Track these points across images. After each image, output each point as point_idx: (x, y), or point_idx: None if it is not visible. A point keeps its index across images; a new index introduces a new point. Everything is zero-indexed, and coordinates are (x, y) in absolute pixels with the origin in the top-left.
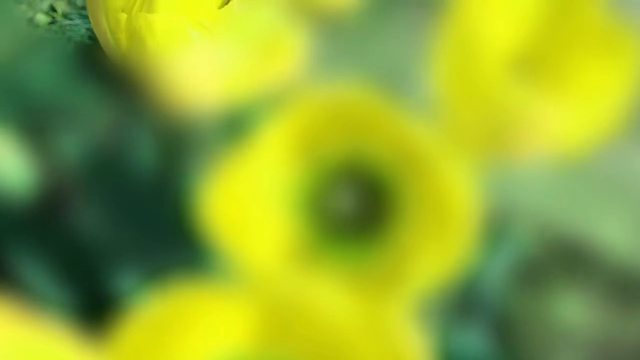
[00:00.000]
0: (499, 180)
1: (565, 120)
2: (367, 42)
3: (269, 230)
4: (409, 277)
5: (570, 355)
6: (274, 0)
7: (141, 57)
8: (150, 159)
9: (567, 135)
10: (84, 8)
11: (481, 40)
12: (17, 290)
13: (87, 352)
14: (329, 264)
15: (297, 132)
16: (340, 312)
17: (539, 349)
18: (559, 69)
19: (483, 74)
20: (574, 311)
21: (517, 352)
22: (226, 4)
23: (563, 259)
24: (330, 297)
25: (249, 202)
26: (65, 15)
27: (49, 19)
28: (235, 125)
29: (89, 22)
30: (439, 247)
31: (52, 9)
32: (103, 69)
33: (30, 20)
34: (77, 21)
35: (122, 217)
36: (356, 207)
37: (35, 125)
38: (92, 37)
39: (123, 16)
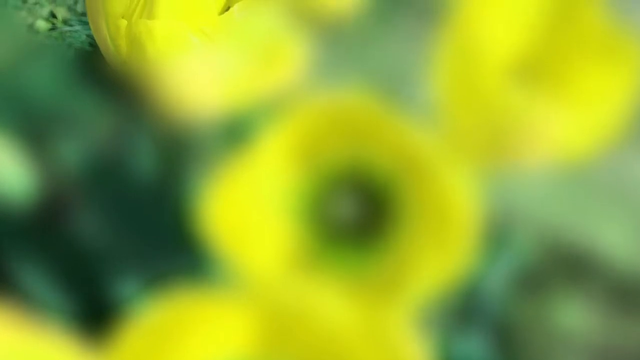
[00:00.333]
0: (500, 187)
1: (565, 127)
2: (368, 49)
3: (269, 237)
4: (410, 283)
5: None
6: (274, 7)
7: (141, 64)
8: (150, 165)
9: (567, 141)
10: (84, 14)
11: (482, 47)
12: (17, 297)
13: (88, 359)
14: (329, 270)
15: (297, 139)
16: (341, 319)
17: (540, 355)
18: (559, 75)
19: (483, 80)
20: (574, 317)
21: (517, 359)
22: (226, 10)
23: (564, 266)
24: (331, 303)
25: (249, 209)
26: (65, 22)
27: (49, 26)
28: (235, 132)
29: (89, 29)
30: (439, 254)
31: (53, 15)
32: (103, 76)
33: (31, 27)
34: (78, 27)
35: (122, 223)
36: (356, 214)
37: (35, 131)
38: (93, 44)
39: (123, 22)
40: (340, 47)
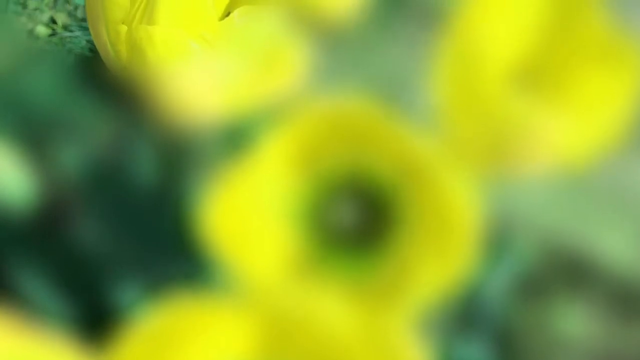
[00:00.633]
0: (500, 192)
1: (566, 133)
2: (368, 54)
3: (270, 243)
4: (410, 289)
5: None
6: (275, 13)
7: (141, 69)
8: (150, 171)
9: (568, 147)
10: (84, 20)
11: (482, 52)
12: (18, 303)
13: None
14: (329, 276)
15: (297, 145)
16: (341, 325)
17: None
18: (560, 81)
19: (484, 86)
20: (575, 323)
21: None
22: (226, 16)
23: (564, 271)
24: (331, 309)
25: (249, 215)
26: (65, 27)
27: (49, 31)
28: (235, 138)
29: (90, 34)
30: (440, 259)
31: (53, 21)
32: (103, 81)
33: (31, 32)
34: (78, 33)
35: (122, 229)
36: (357, 219)
37: (35, 137)
38: (93, 49)
39: (123, 28)
40: (341, 53)
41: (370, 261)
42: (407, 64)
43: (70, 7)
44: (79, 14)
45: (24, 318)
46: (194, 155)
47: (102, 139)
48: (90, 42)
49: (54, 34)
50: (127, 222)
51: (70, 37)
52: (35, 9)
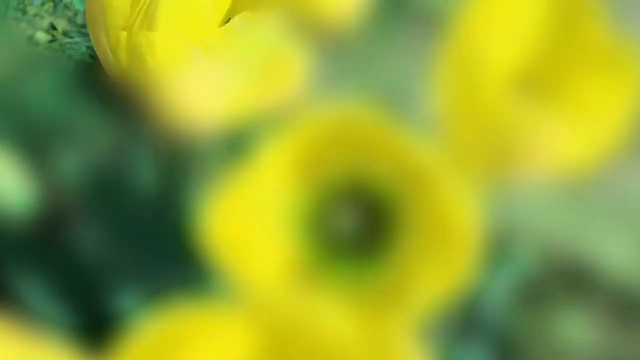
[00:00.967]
0: (501, 200)
1: (567, 140)
2: (369, 62)
3: (271, 250)
4: (411, 296)
5: None
6: (276, 19)
7: (142, 76)
8: (150, 178)
9: (569, 154)
10: (84, 26)
11: (483, 59)
12: (18, 310)
13: None
14: (330, 283)
15: (298, 152)
16: (343, 332)
17: None
18: (561, 88)
19: (485, 92)
20: (576, 330)
21: None
22: (227, 22)
23: (565, 278)
24: (332, 316)
25: (250, 222)
26: (65, 34)
27: (49, 38)
28: (236, 145)
29: (90, 41)
30: (441, 266)
31: (53, 27)
32: (104, 88)
33: (31, 39)
34: (78, 39)
35: (122, 236)
36: (358, 227)
37: (35, 144)
38: (93, 56)
39: (124, 34)
40: (342, 60)
41: (371, 268)
42: (408, 71)
43: (70, 14)
44: (79, 20)
45: (24, 325)
46: (194, 162)
47: (102, 146)
48: (90, 48)
49: (54, 40)
50: (127, 230)
51: (70, 43)
52: (35, 15)
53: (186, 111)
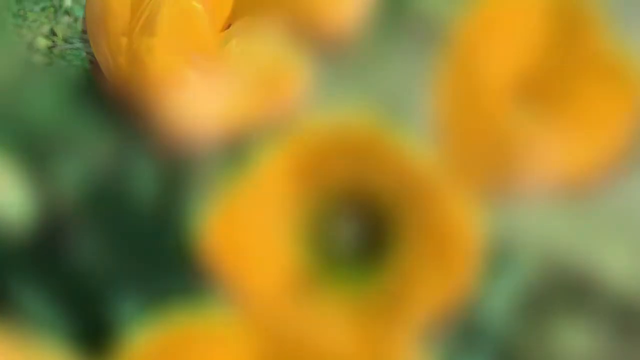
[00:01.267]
0: (501, 210)
1: (568, 150)
2: (369, 72)
3: (270, 259)
4: (411, 305)
5: None
6: (275, 29)
7: (142, 81)
8: (150, 187)
9: (569, 164)
10: (84, 32)
11: (483, 69)
12: (17, 319)
13: None
14: (330, 293)
15: (298, 162)
16: (342, 341)
17: None
18: (561, 98)
19: (485, 102)
20: (576, 340)
21: None
22: (227, 28)
23: (566, 288)
24: (332, 325)
25: (250, 232)
26: (65, 40)
27: (49, 43)
28: (236, 154)
29: (90, 46)
30: (440, 276)
31: (53, 33)
32: (104, 94)
33: (31, 45)
34: (78, 45)
35: (121, 246)
36: (358, 236)
37: (34, 153)
38: (93, 61)
39: (124, 40)
40: (341, 71)
41: (371, 278)
42: (408, 82)
43: (70, 19)
44: (79, 26)
45: (24, 333)
46: (194, 172)
47: (101, 155)
48: (90, 54)
49: (54, 46)
50: (126, 239)
51: (70, 49)
52: (35, 21)
53: (186, 119)
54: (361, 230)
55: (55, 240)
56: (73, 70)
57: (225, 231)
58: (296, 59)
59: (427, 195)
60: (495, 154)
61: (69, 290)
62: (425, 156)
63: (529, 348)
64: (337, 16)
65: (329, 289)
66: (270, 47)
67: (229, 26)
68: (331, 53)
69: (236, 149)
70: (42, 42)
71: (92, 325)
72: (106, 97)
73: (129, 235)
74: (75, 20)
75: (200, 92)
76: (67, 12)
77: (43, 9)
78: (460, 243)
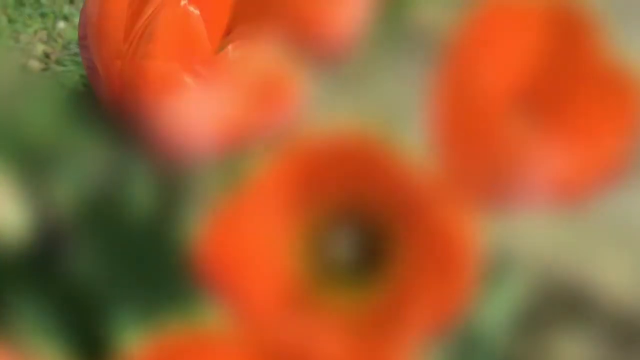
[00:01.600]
0: (499, 224)
1: (566, 161)
2: (367, 83)
3: (267, 271)
4: (408, 321)
5: None
6: (271, 45)
7: (136, 104)
8: (146, 203)
9: (567, 175)
10: (77, 54)
11: (481, 79)
12: (14, 331)
13: None
14: (328, 304)
15: (294, 176)
16: (340, 353)
17: None
18: (560, 108)
19: (483, 113)
20: (574, 352)
21: None
22: (222, 49)
23: (563, 303)
24: (330, 338)
25: (246, 243)
26: (58, 62)
27: (42, 66)
28: (232, 169)
29: (83, 69)
30: (438, 291)
31: (46, 55)
32: (97, 116)
33: (24, 67)
34: (71, 68)
35: (118, 257)
36: (355, 251)
37: (31, 164)
38: (86, 84)
39: (117, 63)
40: (340, 81)
41: (368, 292)
42: (405, 94)
43: (63, 42)
44: (73, 48)
45: (21, 345)
46: (190, 187)
47: (98, 166)
48: (83, 76)
49: (46, 68)
50: (122, 254)
51: (63, 71)
52: (28, 43)
53: (180, 138)
54: (359, 242)
55: (52, 252)
56: (66, 92)
57: (222, 242)
58: (294, 69)
59: (425, 207)
60: (493, 165)
61: (65, 302)
62: (422, 167)
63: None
64: (335, 26)
65: (327, 301)
66: (266, 62)
67: (227, 34)
68: (329, 63)
69: (232, 164)
70: (35, 65)
71: (89, 337)
72: (102, 108)
73: (125, 246)
74: (69, 42)
75: (197, 98)
76: (60, 35)
77: (36, 31)
78: (459, 255)
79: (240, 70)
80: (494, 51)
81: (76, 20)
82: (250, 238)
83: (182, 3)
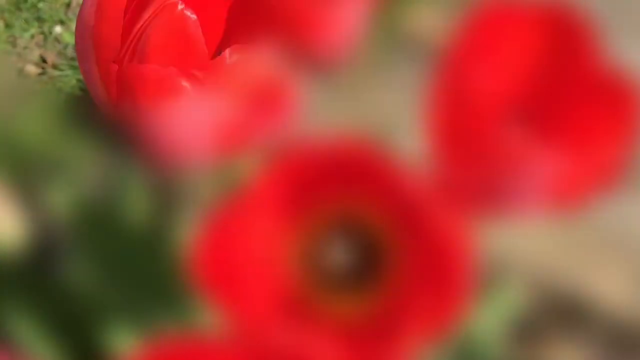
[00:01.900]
0: (495, 233)
1: (562, 169)
2: (362, 91)
3: (263, 280)
4: (405, 327)
5: None
6: (268, 51)
7: (132, 109)
8: (141, 211)
9: (564, 184)
10: (74, 59)
11: (477, 88)
12: (8, 344)
13: None
14: (324, 314)
15: (290, 182)
16: None
17: None
18: (556, 116)
19: (478, 123)
20: None
21: None
22: (218, 54)
23: (560, 312)
24: (326, 347)
25: (242, 252)
26: (55, 67)
27: (39, 70)
28: (228, 175)
29: (80, 73)
30: (434, 299)
31: (43, 60)
32: (94, 121)
33: (20, 71)
34: (68, 72)
35: (113, 270)
36: (351, 260)
37: (25, 177)
38: (83, 88)
39: (114, 67)
40: (334, 92)
41: (365, 299)
42: (401, 103)
43: (60, 46)
44: (69, 52)
45: (15, 356)
46: (185, 195)
47: (92, 179)
48: (80, 81)
49: (43, 73)
50: (117, 263)
51: (60, 76)
52: (25, 48)
53: (177, 144)
54: (355, 248)
55: (47, 263)
56: (63, 96)
57: (218, 247)
58: (291, 74)
59: (421, 213)
60: (489, 172)
61: (60, 312)
62: (419, 174)
63: None
64: (331, 32)
65: (323, 307)
66: (262, 70)
67: (224, 38)
68: (326, 69)
69: (229, 164)
70: (32, 69)
71: (84, 344)
72: (99, 113)
73: (120, 257)
74: (65, 47)
75: (194, 102)
76: (57, 39)
77: (32, 36)
78: (455, 262)
79: (237, 75)
80: (491, 57)
81: (73, 24)
82: (246, 244)
83: (179, 8)
